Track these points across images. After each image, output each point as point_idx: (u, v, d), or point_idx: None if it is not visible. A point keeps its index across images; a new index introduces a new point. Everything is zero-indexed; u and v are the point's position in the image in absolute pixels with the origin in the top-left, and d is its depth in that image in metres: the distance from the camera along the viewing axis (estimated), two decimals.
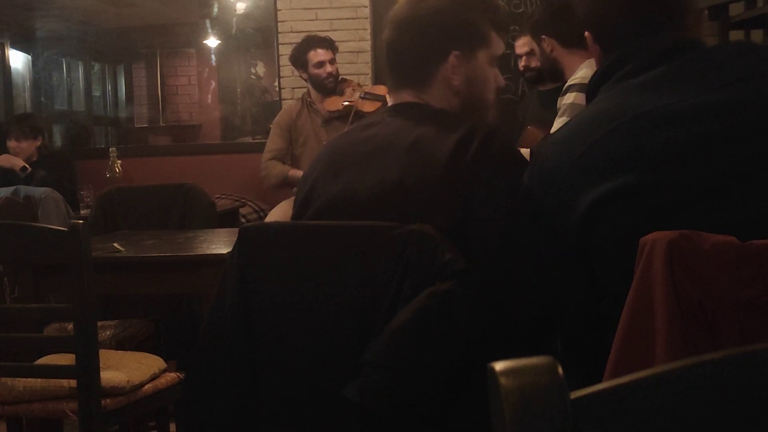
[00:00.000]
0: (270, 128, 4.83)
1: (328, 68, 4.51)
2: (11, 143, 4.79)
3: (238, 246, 1.52)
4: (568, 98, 3.39)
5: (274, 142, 4.62)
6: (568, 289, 1.38)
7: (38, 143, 4.89)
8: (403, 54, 1.64)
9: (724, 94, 1.26)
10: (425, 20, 1.62)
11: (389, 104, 1.69)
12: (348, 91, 4.54)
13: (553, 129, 3.40)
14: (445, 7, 1.62)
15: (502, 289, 1.45)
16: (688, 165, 1.23)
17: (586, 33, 1.48)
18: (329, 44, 4.56)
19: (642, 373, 0.59)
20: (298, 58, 4.57)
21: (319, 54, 4.50)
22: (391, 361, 1.33)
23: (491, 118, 1.70)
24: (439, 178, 1.46)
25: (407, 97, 1.64)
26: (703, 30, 1.44)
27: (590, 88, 1.43)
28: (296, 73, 4.77)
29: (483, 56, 1.64)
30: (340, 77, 4.59)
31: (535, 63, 4.02)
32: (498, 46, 1.66)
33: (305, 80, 4.61)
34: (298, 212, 1.64)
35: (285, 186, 4.58)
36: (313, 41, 4.56)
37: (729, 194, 1.21)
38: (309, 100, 4.62)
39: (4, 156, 4.77)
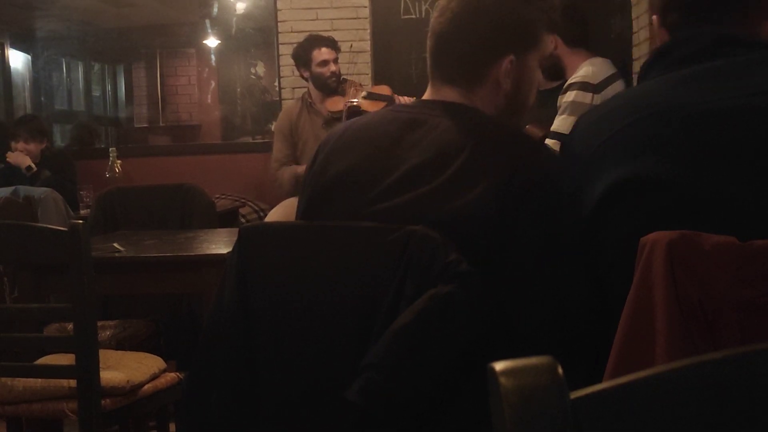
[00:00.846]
0: (269, 130, 4.82)
1: (332, 67, 4.51)
2: (19, 145, 4.82)
3: (238, 246, 1.51)
4: (569, 96, 3.40)
5: (279, 150, 4.59)
6: (575, 284, 1.38)
7: (44, 145, 4.92)
8: (456, 50, 1.55)
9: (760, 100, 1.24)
10: (487, 19, 1.54)
11: (428, 97, 1.60)
12: (350, 91, 4.53)
13: (553, 127, 3.40)
14: (508, 6, 1.54)
15: (517, 293, 1.43)
16: (709, 166, 1.21)
17: (654, 17, 1.44)
18: (333, 44, 4.56)
19: (642, 373, 0.59)
20: (302, 56, 4.57)
21: (323, 53, 4.50)
22: (391, 363, 1.33)
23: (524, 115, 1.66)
24: (481, 215, 1.40)
25: (453, 95, 1.56)
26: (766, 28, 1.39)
27: (643, 69, 1.39)
28: (296, 73, 4.76)
29: (533, 58, 1.57)
30: (342, 77, 4.59)
31: None
32: (547, 47, 1.60)
33: (306, 79, 4.60)
34: (316, 191, 1.56)
35: (299, 186, 4.54)
36: (317, 40, 4.57)
37: (741, 203, 1.20)
38: (309, 100, 4.61)
39: (15, 153, 4.79)
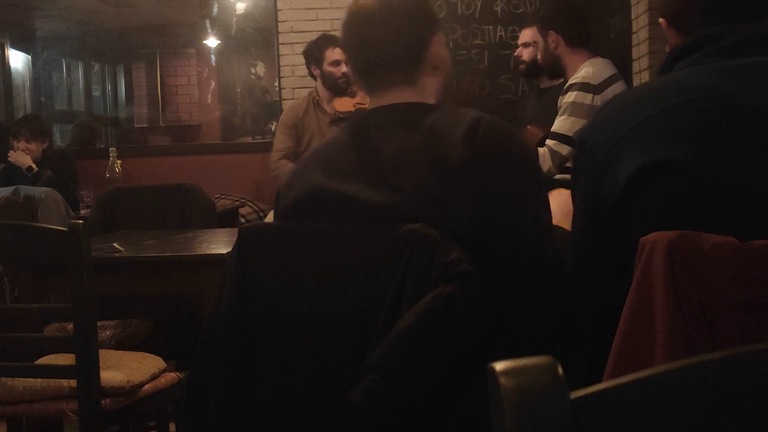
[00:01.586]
0: (269, 130, 4.82)
1: (343, 68, 4.51)
2: (20, 144, 4.82)
3: (238, 246, 1.51)
4: (569, 97, 3.40)
5: (282, 141, 4.58)
6: (596, 262, 1.38)
7: (45, 145, 4.92)
8: (392, 51, 1.57)
9: None
10: (407, 8, 1.57)
11: (378, 104, 1.60)
12: (360, 93, 4.53)
13: (554, 128, 3.41)
14: None
15: (520, 283, 1.46)
16: (742, 161, 1.21)
17: (661, 19, 1.45)
18: None
19: (642, 373, 0.59)
20: (314, 53, 4.55)
21: (336, 52, 4.50)
22: (394, 365, 1.33)
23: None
24: (454, 181, 1.44)
25: (403, 95, 1.58)
26: None
27: (667, 63, 1.40)
28: (296, 73, 4.75)
29: (441, 35, 1.64)
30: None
31: (528, 56, 4.01)
32: None
33: (316, 77, 4.59)
34: (294, 214, 1.57)
35: None
36: (331, 39, 4.57)
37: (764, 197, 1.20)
38: (317, 98, 4.60)
39: (17, 153, 4.80)
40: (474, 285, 1.34)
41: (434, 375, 1.35)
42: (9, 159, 4.81)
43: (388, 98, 1.59)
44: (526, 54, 4.01)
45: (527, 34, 4.04)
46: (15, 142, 4.84)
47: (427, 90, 1.60)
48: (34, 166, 4.75)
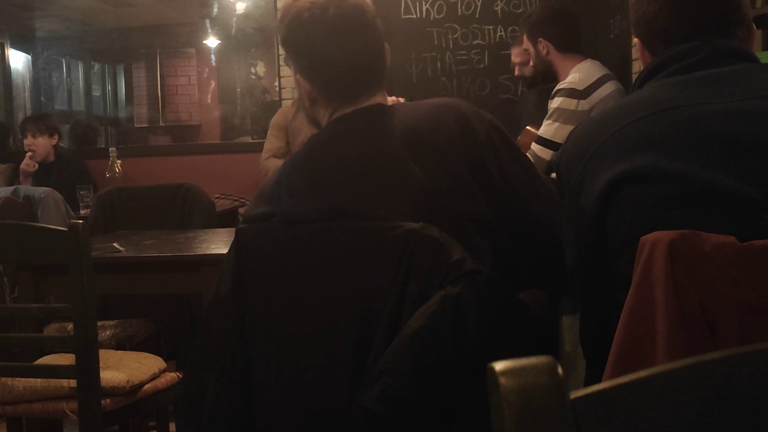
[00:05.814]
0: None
1: None
2: (27, 140, 4.85)
3: (235, 247, 1.51)
4: (555, 102, 3.41)
5: (271, 143, 4.60)
6: (584, 268, 1.41)
7: (54, 141, 4.93)
8: (372, 56, 1.62)
9: (760, 103, 1.28)
10: (373, 19, 1.62)
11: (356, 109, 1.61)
12: None
13: (540, 131, 3.42)
14: (363, 3, 1.62)
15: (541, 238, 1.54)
16: (709, 161, 1.23)
17: (636, 40, 1.50)
18: None
19: (642, 373, 0.59)
20: None
21: None
22: (409, 367, 1.32)
23: None
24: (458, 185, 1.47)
25: (378, 100, 1.62)
26: (752, 45, 1.46)
27: (638, 83, 1.45)
28: None
29: None
30: None
31: (528, 71, 4.02)
32: None
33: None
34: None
35: None
36: None
37: (738, 197, 1.21)
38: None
39: (25, 162, 4.84)
40: (480, 283, 1.33)
41: (447, 376, 1.34)
42: (22, 167, 4.85)
43: (366, 104, 1.61)
44: (527, 71, 4.03)
45: (517, 53, 4.10)
46: (23, 139, 4.88)
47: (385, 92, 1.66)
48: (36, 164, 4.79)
